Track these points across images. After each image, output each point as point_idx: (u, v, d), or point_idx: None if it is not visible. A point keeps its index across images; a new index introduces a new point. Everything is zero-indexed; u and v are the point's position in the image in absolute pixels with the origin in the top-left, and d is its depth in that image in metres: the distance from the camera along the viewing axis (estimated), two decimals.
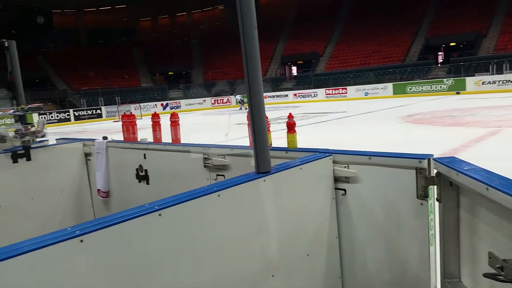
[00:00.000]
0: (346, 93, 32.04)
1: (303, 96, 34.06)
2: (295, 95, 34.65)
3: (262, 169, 1.78)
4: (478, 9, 33.28)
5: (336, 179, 2.04)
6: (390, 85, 30.54)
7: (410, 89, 29.63)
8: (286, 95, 35.04)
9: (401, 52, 34.88)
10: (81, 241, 1.18)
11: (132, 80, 40.15)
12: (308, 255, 1.97)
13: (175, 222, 1.45)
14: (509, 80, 26.03)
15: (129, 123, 3.48)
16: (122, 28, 45.56)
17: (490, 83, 26.59)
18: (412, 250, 1.84)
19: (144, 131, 3.51)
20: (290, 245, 1.90)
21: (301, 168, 1.93)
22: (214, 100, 36.27)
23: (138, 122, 3.59)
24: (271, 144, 2.17)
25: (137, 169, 3.28)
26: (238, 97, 26.04)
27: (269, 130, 2.10)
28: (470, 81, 27.40)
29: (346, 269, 2.13)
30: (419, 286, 1.82)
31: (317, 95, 33.41)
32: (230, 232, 1.65)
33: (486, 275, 1.13)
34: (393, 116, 16.03)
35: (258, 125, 1.76)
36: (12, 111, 3.73)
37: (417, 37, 35.62)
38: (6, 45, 3.64)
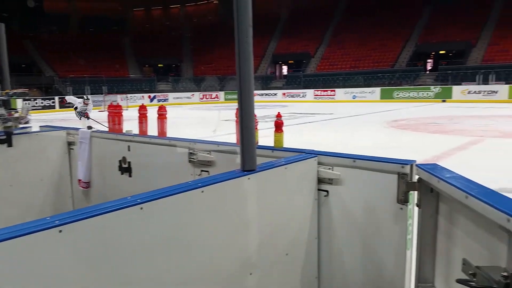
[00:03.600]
0: (334, 95, 32.26)
1: (292, 96, 34.16)
2: (284, 94, 34.75)
3: (248, 167, 1.78)
4: (469, 19, 33.77)
5: (320, 180, 2.04)
6: (378, 90, 30.84)
7: (397, 94, 29.95)
8: (275, 94, 35.10)
9: (391, 58, 35.22)
10: (60, 231, 1.16)
11: (120, 70, 39.66)
12: (287, 254, 1.98)
13: (157, 216, 1.43)
14: (494, 91, 26.54)
15: (115, 114, 3.45)
16: (114, 17, 44.93)
17: (475, 93, 27.08)
18: (389, 253, 1.85)
19: (130, 123, 3.48)
20: (270, 244, 1.90)
21: (286, 168, 1.93)
22: (203, 95, 36.10)
23: (124, 113, 3.55)
24: (257, 142, 2.17)
25: (120, 161, 3.24)
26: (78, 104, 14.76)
27: (256, 128, 2.10)
28: (456, 90, 27.88)
29: (323, 270, 2.13)
30: None
31: (305, 95, 33.56)
32: (212, 228, 1.64)
33: (459, 281, 1.15)
34: (379, 120, 16.20)
35: (246, 122, 1.75)
36: None
37: (408, 43, 35.98)
38: None
